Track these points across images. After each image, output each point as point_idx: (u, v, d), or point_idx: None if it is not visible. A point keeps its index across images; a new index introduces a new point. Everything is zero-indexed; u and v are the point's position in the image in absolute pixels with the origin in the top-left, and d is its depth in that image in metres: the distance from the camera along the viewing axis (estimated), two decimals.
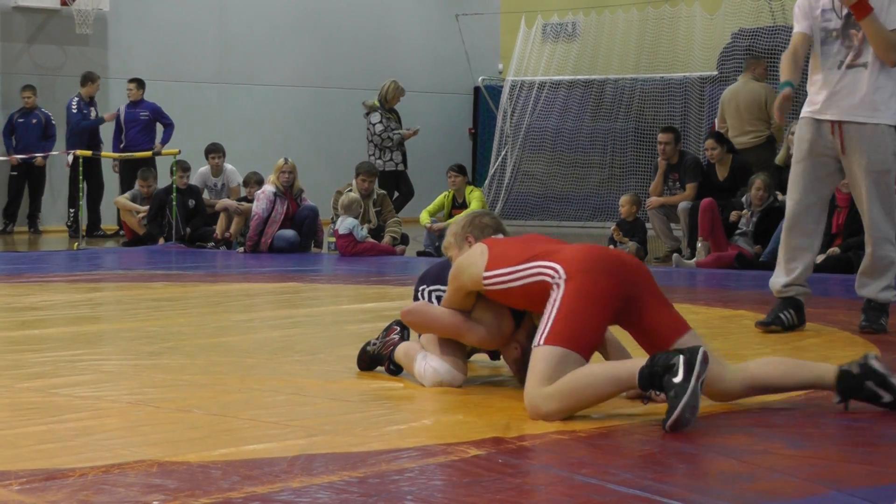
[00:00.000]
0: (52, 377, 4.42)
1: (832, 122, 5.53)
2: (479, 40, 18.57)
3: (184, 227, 12.32)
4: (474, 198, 11.89)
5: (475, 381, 4.29)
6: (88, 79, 14.36)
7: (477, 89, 18.82)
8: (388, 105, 13.03)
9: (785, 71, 5.66)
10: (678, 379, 3.43)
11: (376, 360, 4.48)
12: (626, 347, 4.11)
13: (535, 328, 3.87)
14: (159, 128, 14.46)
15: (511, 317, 4.11)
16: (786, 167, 10.73)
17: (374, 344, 4.50)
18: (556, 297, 3.71)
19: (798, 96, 5.83)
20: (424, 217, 11.93)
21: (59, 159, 14.28)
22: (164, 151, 13.29)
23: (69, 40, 15.50)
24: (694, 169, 11.10)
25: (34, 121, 14.39)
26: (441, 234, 11.09)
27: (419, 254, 11.43)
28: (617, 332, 4.06)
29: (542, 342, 3.65)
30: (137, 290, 8.03)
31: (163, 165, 13.79)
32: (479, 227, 4.32)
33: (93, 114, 14.38)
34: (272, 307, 7.50)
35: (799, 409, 3.86)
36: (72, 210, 13.14)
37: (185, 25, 16.48)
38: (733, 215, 10.37)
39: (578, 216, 16.68)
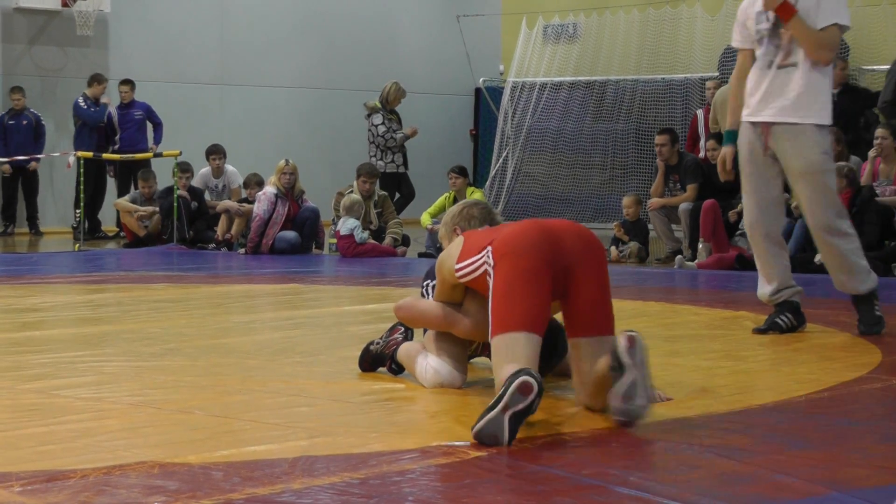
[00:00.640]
0: (53, 378, 4.42)
1: (763, 123, 5.56)
2: (480, 42, 18.57)
3: (188, 229, 12.33)
4: None
5: (476, 382, 4.29)
6: (95, 80, 14.37)
7: (478, 90, 18.82)
8: (389, 106, 13.03)
9: (729, 111, 5.78)
10: (495, 405, 3.26)
11: (379, 359, 4.49)
12: None
13: None
14: (150, 128, 14.49)
15: None
16: None
17: (378, 343, 4.51)
18: (490, 285, 3.70)
19: None
20: (425, 218, 11.93)
21: (61, 160, 14.29)
22: (165, 153, 13.30)
23: (70, 42, 15.51)
24: (694, 170, 11.10)
25: (24, 122, 14.39)
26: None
27: (420, 255, 11.43)
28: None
29: (491, 338, 3.64)
30: (138, 291, 8.04)
31: (159, 166, 13.80)
32: (467, 217, 4.33)
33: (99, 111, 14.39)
34: (273, 308, 7.50)
35: (799, 410, 3.86)
36: (77, 211, 13.16)
37: (186, 27, 16.49)
38: (731, 214, 10.38)
39: (579, 217, 16.65)
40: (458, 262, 3.92)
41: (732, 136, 5.76)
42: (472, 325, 4.06)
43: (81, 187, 12.86)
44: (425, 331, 4.31)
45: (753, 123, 5.60)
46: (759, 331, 5.66)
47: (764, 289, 5.74)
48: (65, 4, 15.29)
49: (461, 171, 12.08)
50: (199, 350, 5.18)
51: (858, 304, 5.70)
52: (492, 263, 3.71)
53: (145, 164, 13.73)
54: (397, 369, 4.41)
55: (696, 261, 10.34)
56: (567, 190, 16.90)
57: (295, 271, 9.66)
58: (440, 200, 12.12)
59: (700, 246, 10.39)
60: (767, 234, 5.69)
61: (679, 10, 16.59)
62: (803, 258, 9.85)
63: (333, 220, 11.80)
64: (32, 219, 14.68)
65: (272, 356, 5.02)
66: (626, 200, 11.53)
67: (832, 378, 4.44)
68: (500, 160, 17.33)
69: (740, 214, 10.45)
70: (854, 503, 2.75)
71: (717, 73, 14.95)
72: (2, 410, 3.82)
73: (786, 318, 5.67)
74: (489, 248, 3.77)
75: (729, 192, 10.76)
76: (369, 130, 13.00)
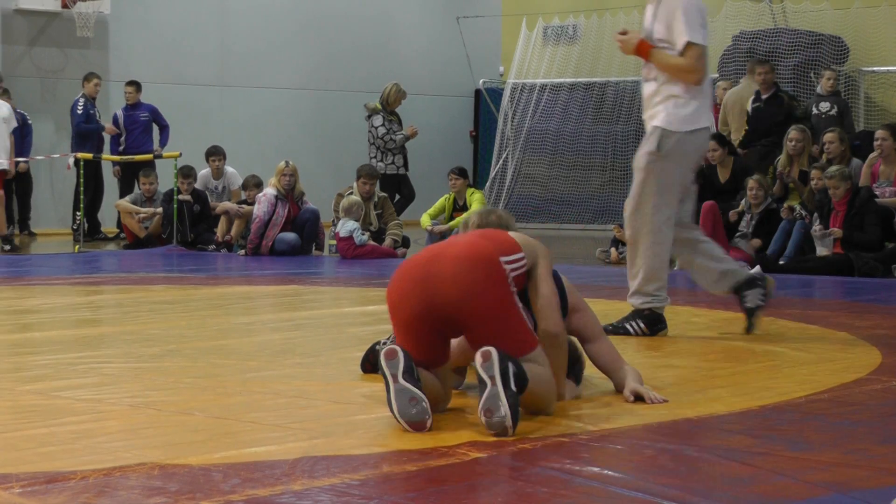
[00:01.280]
0: (53, 380, 4.42)
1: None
2: (480, 43, 18.57)
3: (190, 232, 12.33)
4: (475, 200, 11.90)
5: (475, 385, 4.28)
6: (85, 78, 14.33)
7: (478, 92, 18.82)
8: (389, 108, 13.03)
9: None
10: (386, 385, 3.53)
11: None
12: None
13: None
14: (156, 129, 14.47)
15: None
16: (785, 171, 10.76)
17: (385, 344, 4.50)
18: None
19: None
20: (425, 220, 11.94)
21: (61, 162, 14.29)
22: (165, 154, 13.30)
23: (70, 43, 15.51)
24: None
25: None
26: (442, 236, 11.09)
27: None
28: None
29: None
30: (138, 292, 8.04)
31: (161, 167, 13.80)
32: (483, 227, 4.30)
33: (98, 115, 14.37)
34: (273, 310, 7.50)
35: (799, 411, 3.86)
36: (77, 213, 13.16)
37: (185, 28, 16.49)
38: (732, 214, 10.39)
39: (579, 218, 16.68)
40: None
41: None
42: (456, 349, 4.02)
43: (81, 189, 12.85)
44: None
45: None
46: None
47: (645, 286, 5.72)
48: (65, 6, 15.29)
49: (461, 173, 12.08)
50: (198, 351, 5.18)
51: (736, 293, 5.75)
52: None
53: (146, 165, 13.71)
54: None
55: None
56: (567, 191, 16.91)
57: (295, 273, 9.66)
58: (440, 202, 12.12)
59: None
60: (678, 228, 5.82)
61: None
62: (801, 260, 9.87)
63: (333, 221, 11.80)
64: (24, 220, 14.62)
65: (272, 357, 5.02)
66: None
67: (832, 379, 4.44)
68: (500, 161, 17.33)
69: (741, 214, 10.47)
70: None
71: (716, 75, 14.95)
72: (2, 412, 3.82)
73: (636, 325, 5.68)
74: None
75: (729, 194, 10.77)
76: (369, 132, 13.00)
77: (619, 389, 4.07)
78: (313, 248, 11.79)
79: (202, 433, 3.51)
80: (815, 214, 10.03)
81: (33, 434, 3.48)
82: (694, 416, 3.74)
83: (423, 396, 3.48)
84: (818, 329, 5.89)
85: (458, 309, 3.62)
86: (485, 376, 3.44)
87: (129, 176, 14.15)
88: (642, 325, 5.63)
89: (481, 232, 3.96)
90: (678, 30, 5.53)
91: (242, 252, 11.58)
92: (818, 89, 12.79)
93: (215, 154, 13.07)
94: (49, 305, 7.31)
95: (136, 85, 14.43)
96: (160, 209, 12.57)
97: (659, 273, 5.63)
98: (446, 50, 18.37)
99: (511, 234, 3.95)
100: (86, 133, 14.12)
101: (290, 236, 11.47)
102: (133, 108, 14.40)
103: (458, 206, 11.95)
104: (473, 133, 19.21)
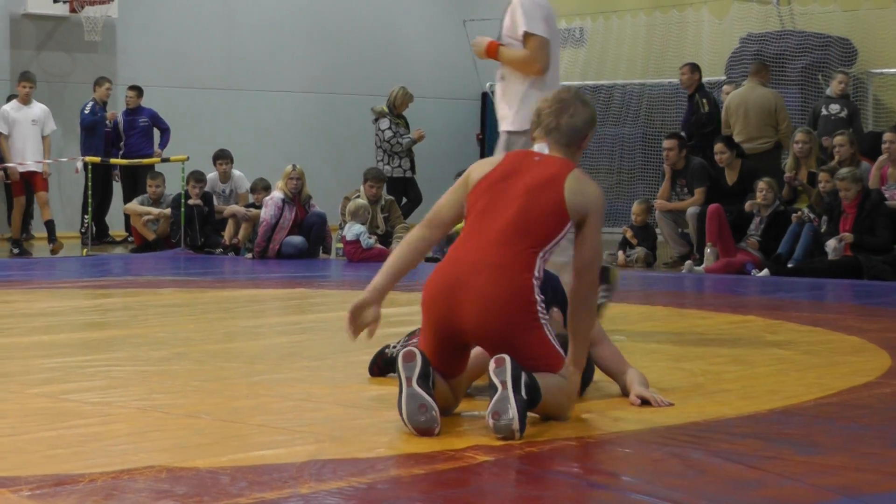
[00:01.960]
0: (61, 383, 4.42)
1: None
2: None
3: (200, 235, 12.33)
4: None
5: (483, 389, 4.28)
6: (97, 83, 14.35)
7: (485, 95, 18.81)
8: (396, 111, 13.04)
9: None
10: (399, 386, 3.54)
11: (391, 363, 4.46)
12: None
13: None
14: (156, 133, 14.49)
15: None
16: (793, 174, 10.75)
17: (394, 348, 4.50)
18: None
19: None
20: None
21: (69, 166, 14.30)
22: (172, 158, 13.31)
23: (78, 47, 15.54)
24: (701, 174, 11.10)
25: None
26: (449, 239, 11.08)
27: (427, 260, 11.42)
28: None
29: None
30: (146, 296, 8.05)
31: (167, 171, 13.80)
32: (536, 124, 4.09)
33: (105, 118, 14.38)
34: (280, 313, 7.50)
35: (807, 414, 3.85)
36: (85, 217, 13.17)
37: (193, 32, 16.51)
38: (749, 205, 10.37)
39: None
40: None
41: None
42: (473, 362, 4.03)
43: (89, 192, 12.86)
44: None
45: None
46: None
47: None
48: (73, 10, 15.31)
49: None
50: (206, 354, 5.18)
51: None
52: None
53: (150, 168, 13.70)
54: None
55: (704, 265, 10.33)
56: None
57: (302, 276, 9.67)
58: None
59: (707, 250, 10.38)
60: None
61: (686, 13, 16.57)
62: (810, 262, 9.85)
63: (340, 224, 11.81)
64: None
65: (279, 361, 5.02)
66: (635, 207, 11.58)
67: (841, 383, 4.43)
68: None
69: (752, 214, 10.46)
70: None
71: (724, 77, 14.94)
72: (10, 415, 3.82)
73: None
74: None
75: (737, 196, 10.76)
76: (376, 135, 13.00)
77: (624, 393, 4.07)
78: (320, 251, 11.80)
79: (210, 436, 3.51)
80: (825, 217, 10.01)
81: (41, 437, 3.48)
82: (701, 420, 3.73)
83: (433, 405, 3.47)
84: (827, 332, 5.88)
85: (478, 339, 3.70)
86: (496, 380, 3.44)
87: (132, 180, 14.14)
88: None
89: (526, 213, 3.78)
90: (518, 22, 5.55)
91: (250, 255, 11.59)
92: (828, 91, 12.76)
93: (223, 157, 13.08)
94: (57, 309, 7.32)
95: (137, 90, 14.45)
96: (167, 210, 12.59)
97: None
98: (453, 53, 18.37)
99: (566, 184, 3.79)
100: (91, 126, 14.09)
101: (297, 240, 11.48)
102: (133, 112, 14.40)
103: None
104: (480, 136, 19.21)
